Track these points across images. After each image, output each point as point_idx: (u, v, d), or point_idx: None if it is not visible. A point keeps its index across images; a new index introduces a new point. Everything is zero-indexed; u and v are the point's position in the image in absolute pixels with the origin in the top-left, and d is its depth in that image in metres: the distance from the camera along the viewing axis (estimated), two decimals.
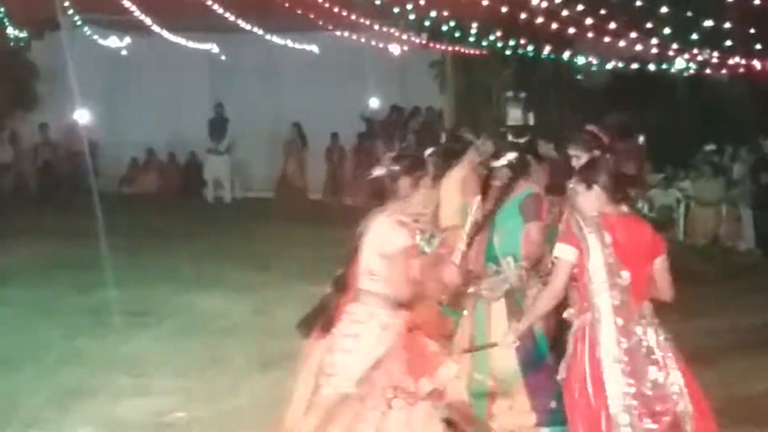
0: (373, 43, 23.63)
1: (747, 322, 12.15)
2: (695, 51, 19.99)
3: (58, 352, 10.28)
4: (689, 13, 19.56)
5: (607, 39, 19.82)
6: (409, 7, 20.62)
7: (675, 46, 19.65)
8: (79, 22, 22.79)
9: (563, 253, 5.87)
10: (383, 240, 5.95)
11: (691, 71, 21.55)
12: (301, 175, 23.36)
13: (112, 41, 24.54)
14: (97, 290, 12.78)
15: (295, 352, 8.90)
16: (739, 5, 17.72)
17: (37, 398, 8.84)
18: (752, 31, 18.57)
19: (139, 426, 8.29)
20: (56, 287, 13.29)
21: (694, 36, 19.70)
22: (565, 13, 18.58)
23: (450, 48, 23.69)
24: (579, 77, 24.61)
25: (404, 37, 23.41)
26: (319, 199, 23.91)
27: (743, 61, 19.45)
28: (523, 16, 19.37)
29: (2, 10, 22.74)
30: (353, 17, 21.86)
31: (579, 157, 7.20)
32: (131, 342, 10.70)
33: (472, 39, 22.45)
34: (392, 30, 23.00)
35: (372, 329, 5.94)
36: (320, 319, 6.17)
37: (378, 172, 6.75)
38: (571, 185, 6.20)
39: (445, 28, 22.13)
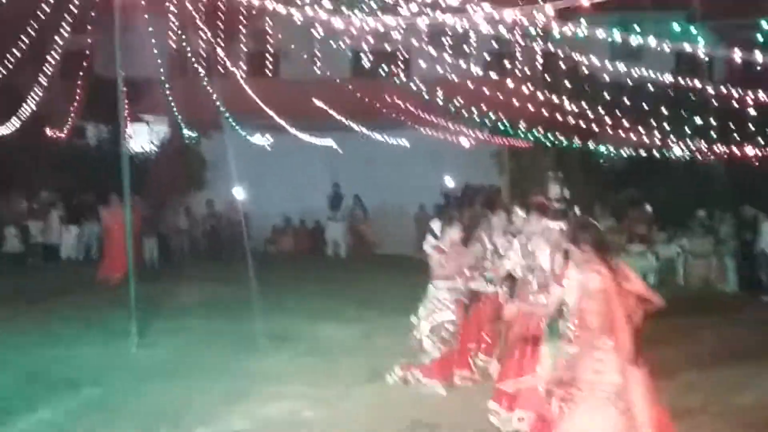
0: (449, 137, 23.70)
1: (728, 345, 12.05)
2: (689, 141, 20.24)
3: (220, 366, 10.72)
4: (683, 113, 20.12)
5: (621, 133, 20.57)
6: (475, 111, 21.88)
7: (673, 137, 20.10)
8: (234, 125, 22.90)
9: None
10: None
11: (686, 156, 21.64)
12: (370, 235, 24.56)
13: (258, 138, 24.68)
14: (249, 320, 12.85)
15: (390, 367, 9.84)
16: (720, 107, 18.22)
17: (205, 400, 9.20)
18: (731, 125, 18.91)
19: (279, 422, 8.52)
20: (220, 319, 13.70)
21: (687, 130, 19.96)
22: (589, 114, 19.24)
23: (506, 141, 24.25)
24: (601, 161, 24.90)
25: (471, 133, 23.74)
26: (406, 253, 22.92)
27: (724, 148, 19.30)
28: (558, 116, 20.05)
29: (179, 117, 23.66)
30: (434, 119, 22.80)
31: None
32: (273, 359, 11.01)
33: (521, 134, 23.12)
34: (463, 128, 23.40)
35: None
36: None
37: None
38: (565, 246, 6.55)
39: (501, 126, 22.97)
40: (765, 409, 8.57)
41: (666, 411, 6.27)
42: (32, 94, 19.27)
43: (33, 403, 8.88)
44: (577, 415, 5.92)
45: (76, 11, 17.02)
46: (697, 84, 14.24)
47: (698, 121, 20.08)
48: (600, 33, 9.21)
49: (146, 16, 17.99)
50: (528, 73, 22.24)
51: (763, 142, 19.07)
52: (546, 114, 20.04)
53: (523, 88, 18.32)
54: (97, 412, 8.71)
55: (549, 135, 22.18)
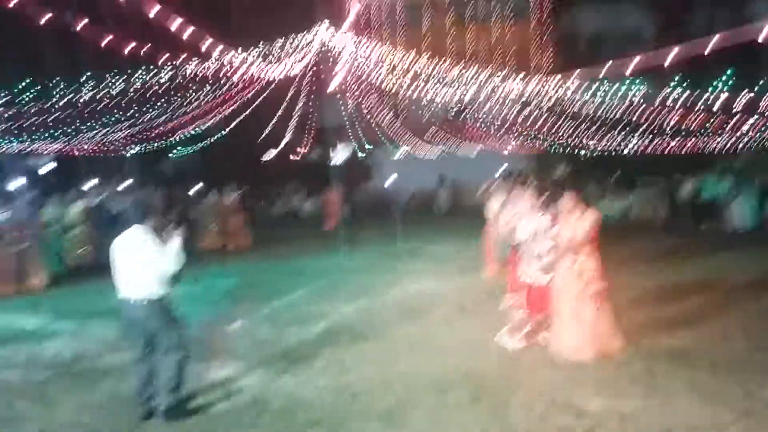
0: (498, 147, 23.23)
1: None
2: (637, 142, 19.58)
3: (386, 267, 11.01)
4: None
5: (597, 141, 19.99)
6: (513, 130, 21.80)
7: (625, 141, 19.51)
8: (387, 145, 23.65)
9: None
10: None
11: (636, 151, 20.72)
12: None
13: (399, 152, 24.29)
14: (397, 244, 13.37)
15: (474, 267, 9.91)
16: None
17: (378, 283, 9.56)
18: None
19: (416, 293, 8.91)
20: (382, 243, 13.85)
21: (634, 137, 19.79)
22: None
23: (535, 148, 23.61)
24: (583, 156, 23.20)
25: (514, 142, 22.92)
26: None
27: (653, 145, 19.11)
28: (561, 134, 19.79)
29: (357, 143, 23.33)
30: (490, 140, 22.95)
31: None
32: (410, 263, 11.34)
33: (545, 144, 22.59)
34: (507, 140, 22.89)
35: None
36: None
37: None
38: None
39: (532, 139, 22.09)
40: (661, 288, 8.35)
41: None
42: (285, 136, 20.52)
43: (293, 287, 9.44)
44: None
45: (302, 92, 17.93)
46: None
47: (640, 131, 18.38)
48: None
49: (338, 95, 19.23)
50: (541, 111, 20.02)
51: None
52: (551, 133, 19.89)
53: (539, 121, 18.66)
54: (325, 290, 9.26)
55: (554, 144, 21.95)
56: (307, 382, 5.39)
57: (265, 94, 16.10)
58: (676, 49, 6.52)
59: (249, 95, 16.20)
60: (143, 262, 4.60)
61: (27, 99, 13.70)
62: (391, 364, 5.80)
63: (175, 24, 8.26)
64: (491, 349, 6.08)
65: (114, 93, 13.34)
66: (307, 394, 5.11)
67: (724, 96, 10.49)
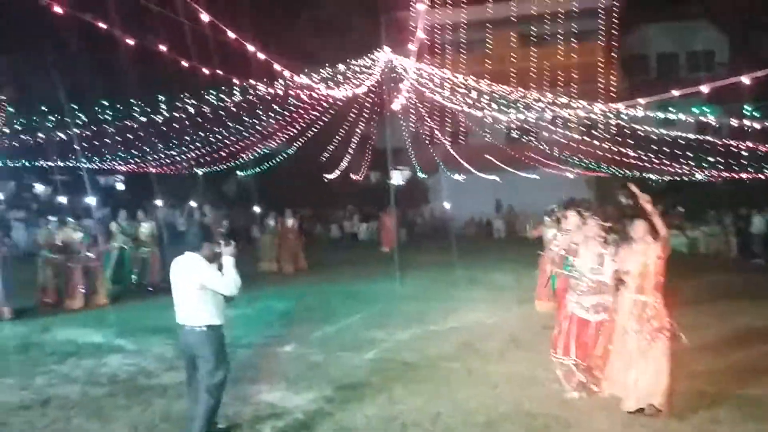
0: (560, 172, 22.84)
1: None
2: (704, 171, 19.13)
3: (442, 295, 10.92)
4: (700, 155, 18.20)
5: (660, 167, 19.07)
6: (575, 158, 21.83)
7: (694, 169, 18.78)
8: (445, 169, 23.79)
9: None
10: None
11: (704, 179, 20.24)
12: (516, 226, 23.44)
13: (457, 176, 24.24)
14: (455, 271, 13.24)
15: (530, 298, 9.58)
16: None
17: (434, 311, 9.47)
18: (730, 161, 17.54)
19: (473, 323, 8.70)
20: (440, 270, 13.76)
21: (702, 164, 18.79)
22: (637, 155, 18.31)
23: (593, 173, 23.05)
24: (650, 183, 21.82)
25: (573, 169, 22.82)
26: None
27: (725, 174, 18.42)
28: (621, 158, 19.23)
29: (416, 167, 24.43)
30: (551, 163, 22.16)
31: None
32: (468, 291, 11.16)
33: (602, 169, 21.91)
34: (569, 167, 22.77)
35: None
36: None
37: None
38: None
39: (590, 165, 21.94)
40: (732, 330, 8.06)
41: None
42: (344, 158, 21.31)
43: (347, 312, 9.52)
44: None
45: (365, 119, 18.62)
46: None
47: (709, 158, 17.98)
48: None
49: (400, 116, 18.79)
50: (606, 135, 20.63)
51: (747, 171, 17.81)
52: (617, 158, 19.60)
53: (603, 145, 18.37)
54: (379, 316, 9.29)
55: (618, 169, 21.45)
56: (356, 410, 5.32)
57: (329, 116, 16.79)
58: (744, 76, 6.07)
59: (314, 116, 16.53)
60: (195, 288, 4.55)
61: (103, 119, 14.59)
62: (441, 396, 5.71)
63: (251, 48, 8.40)
64: (544, 385, 5.88)
65: (186, 114, 13.93)
66: (355, 422, 5.05)
67: None
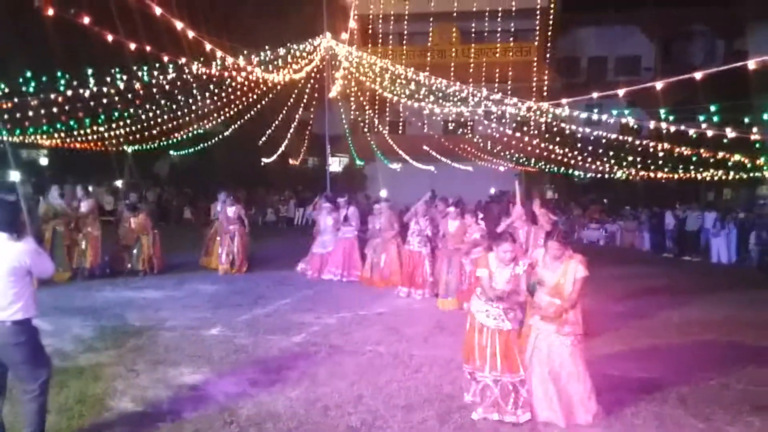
0: (492, 165, 23.62)
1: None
2: (624, 170, 19.60)
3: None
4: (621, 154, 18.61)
5: (585, 164, 19.67)
6: (507, 152, 22.48)
7: (615, 167, 19.39)
8: (382, 158, 23.57)
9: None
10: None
11: (623, 177, 20.75)
12: None
13: (393, 165, 24.55)
14: None
15: None
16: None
17: (356, 297, 9.80)
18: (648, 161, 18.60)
19: (399, 308, 9.06)
20: None
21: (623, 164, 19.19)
22: (567, 153, 19.05)
23: (522, 167, 23.47)
24: (575, 180, 23.52)
25: (504, 163, 23.46)
26: None
27: (642, 173, 19.03)
28: (551, 155, 19.74)
29: (354, 154, 24.55)
30: (485, 156, 23.01)
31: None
32: None
33: (531, 164, 22.81)
34: (500, 160, 23.48)
35: None
36: None
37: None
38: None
39: (520, 160, 22.68)
40: (636, 317, 8.26)
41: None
42: (284, 142, 20.71)
43: (277, 296, 9.46)
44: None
45: (305, 101, 18.22)
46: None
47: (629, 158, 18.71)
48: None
49: (340, 103, 19.46)
50: (537, 132, 21.65)
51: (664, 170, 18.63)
52: (545, 154, 20.08)
53: (534, 141, 19.30)
54: (310, 300, 9.30)
55: (546, 165, 21.99)
56: (279, 393, 5.28)
57: (266, 98, 16.46)
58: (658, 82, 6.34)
59: (251, 98, 16.21)
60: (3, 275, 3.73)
61: (28, 91, 13.73)
62: (364, 379, 5.75)
63: (180, 25, 8.10)
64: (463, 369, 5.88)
65: (116, 90, 13.31)
66: (277, 405, 5.01)
67: (711, 128, 10.39)
